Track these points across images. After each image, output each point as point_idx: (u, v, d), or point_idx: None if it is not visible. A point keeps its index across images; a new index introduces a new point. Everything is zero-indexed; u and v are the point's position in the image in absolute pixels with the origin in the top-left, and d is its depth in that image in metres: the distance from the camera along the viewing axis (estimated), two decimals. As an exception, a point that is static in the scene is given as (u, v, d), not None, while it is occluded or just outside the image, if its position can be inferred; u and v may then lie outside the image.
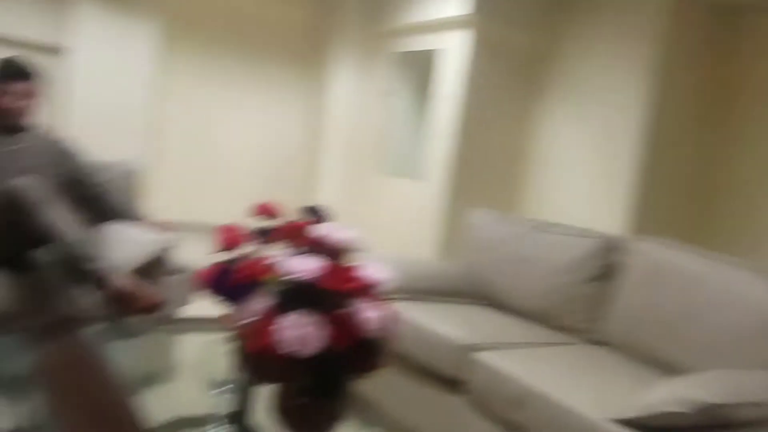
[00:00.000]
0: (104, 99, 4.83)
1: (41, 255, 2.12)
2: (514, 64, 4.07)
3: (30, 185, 2.17)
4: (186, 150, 5.55)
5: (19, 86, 2.41)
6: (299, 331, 1.11)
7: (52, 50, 4.60)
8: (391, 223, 4.42)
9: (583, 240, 2.58)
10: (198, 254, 2.51)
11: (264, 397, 1.36)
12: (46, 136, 2.61)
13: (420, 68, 4.27)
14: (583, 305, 2.51)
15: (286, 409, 1.31)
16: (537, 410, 1.80)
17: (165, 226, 2.56)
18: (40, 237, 2.12)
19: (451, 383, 2.17)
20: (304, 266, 1.15)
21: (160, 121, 5.32)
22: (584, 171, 3.81)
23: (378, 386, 1.97)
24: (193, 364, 2.06)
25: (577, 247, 2.57)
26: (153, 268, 2.35)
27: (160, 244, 2.38)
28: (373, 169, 5.04)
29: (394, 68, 4.70)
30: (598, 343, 2.42)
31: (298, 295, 1.15)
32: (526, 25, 4.03)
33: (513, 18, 3.96)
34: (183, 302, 2.41)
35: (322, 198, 5.39)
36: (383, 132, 4.86)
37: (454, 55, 3.80)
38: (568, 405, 1.72)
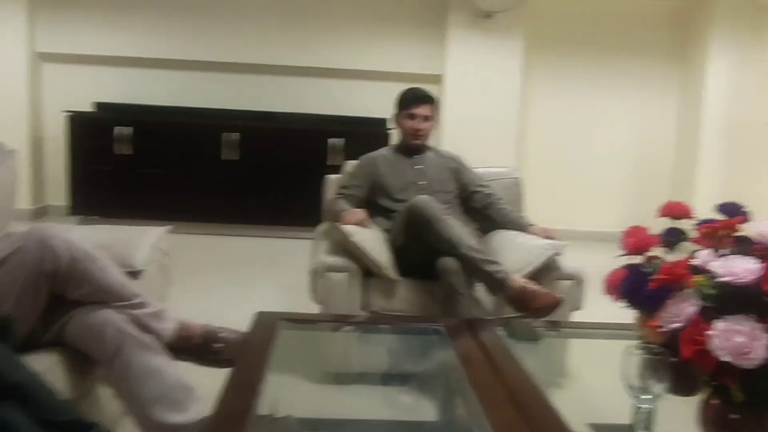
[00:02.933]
0: (475, 115, 5.17)
1: (445, 263, 2.32)
2: None
3: (427, 201, 2.41)
4: (550, 157, 5.59)
5: (421, 110, 2.72)
6: (738, 339, 1.00)
7: (433, 79, 5.09)
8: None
9: None
10: (582, 260, 2.50)
11: (687, 409, 1.25)
12: (441, 155, 2.88)
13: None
14: None
15: (716, 424, 1.19)
16: None
17: (549, 233, 2.60)
18: (442, 247, 2.34)
19: None
20: (742, 268, 1.03)
21: (525, 131, 5.50)
22: None
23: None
24: (592, 369, 2.03)
25: None
26: (545, 273, 2.40)
27: (550, 250, 2.41)
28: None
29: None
30: None
31: (735, 300, 1.04)
32: None
33: None
34: (576, 307, 2.40)
35: (700, 197, 4.90)
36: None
37: None
38: None
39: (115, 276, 1.63)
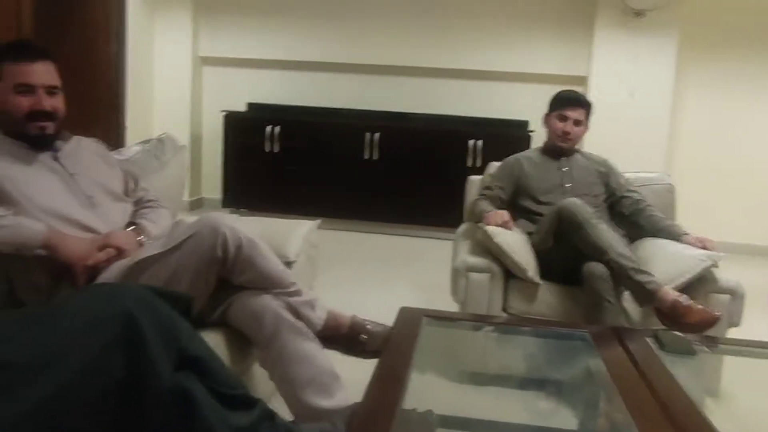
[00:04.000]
0: (622, 118, 4.95)
1: (591, 268, 2.25)
2: None
3: (578, 204, 2.35)
4: (703, 163, 5.23)
5: (574, 113, 2.67)
6: None
7: (577, 80, 4.94)
8: None
9: None
10: (737, 274, 2.33)
11: None
12: (588, 158, 2.80)
13: None
14: None
15: None
16: None
17: (706, 243, 2.45)
18: (591, 252, 2.27)
19: None
20: None
21: (676, 135, 5.19)
22: None
23: None
24: (750, 389, 1.90)
25: None
26: (699, 285, 2.26)
27: (706, 260, 2.28)
28: None
29: None
30: None
31: None
32: None
33: None
34: (733, 323, 2.25)
35: None
36: None
37: None
38: None
39: (275, 264, 1.73)
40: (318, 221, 2.45)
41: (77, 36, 4.27)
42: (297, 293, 1.75)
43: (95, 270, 1.68)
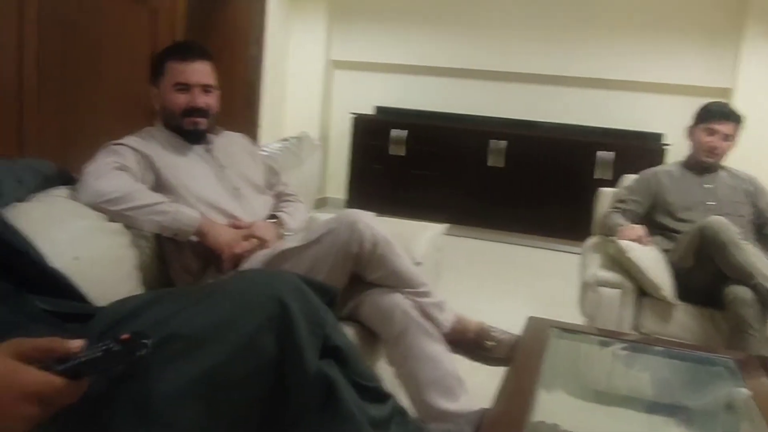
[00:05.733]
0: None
1: (735, 292, 2.12)
2: None
3: (724, 223, 2.22)
4: None
5: (724, 128, 2.52)
6: None
7: (720, 93, 4.66)
8: None
9: None
10: None
11: None
12: (735, 175, 2.63)
13: None
14: None
15: None
16: None
17: None
18: (735, 274, 2.14)
19: None
20: None
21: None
22: None
23: None
24: None
25: None
26: None
27: None
28: None
29: None
30: None
31: None
32: None
33: None
34: None
35: None
36: None
37: None
38: None
39: (407, 264, 1.76)
40: (446, 226, 2.46)
41: (221, 39, 4.53)
42: (427, 294, 1.76)
43: (240, 258, 1.77)
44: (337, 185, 5.65)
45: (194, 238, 1.77)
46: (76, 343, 0.85)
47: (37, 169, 1.74)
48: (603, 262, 2.45)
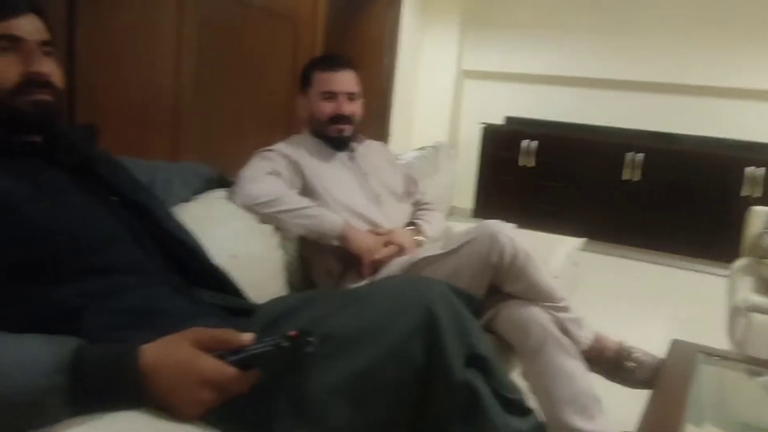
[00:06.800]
0: None
1: None
2: None
3: None
4: None
5: None
6: None
7: None
8: None
9: None
10: None
11: None
12: None
13: None
14: None
15: None
16: None
17: None
18: None
19: None
20: None
21: None
22: None
23: None
24: None
25: None
26: None
27: None
28: None
29: None
30: None
31: None
32: None
33: None
34: None
35: None
36: None
37: None
38: None
39: (547, 278, 1.73)
40: (583, 240, 2.40)
41: (356, 49, 4.68)
42: (566, 309, 1.73)
43: (379, 263, 1.82)
44: (465, 195, 5.63)
45: (336, 243, 1.83)
46: (248, 337, 0.92)
47: (199, 172, 1.88)
48: (755, 286, 2.29)
